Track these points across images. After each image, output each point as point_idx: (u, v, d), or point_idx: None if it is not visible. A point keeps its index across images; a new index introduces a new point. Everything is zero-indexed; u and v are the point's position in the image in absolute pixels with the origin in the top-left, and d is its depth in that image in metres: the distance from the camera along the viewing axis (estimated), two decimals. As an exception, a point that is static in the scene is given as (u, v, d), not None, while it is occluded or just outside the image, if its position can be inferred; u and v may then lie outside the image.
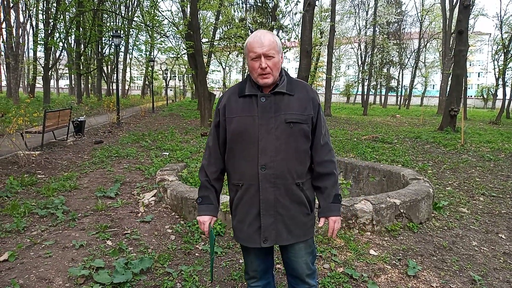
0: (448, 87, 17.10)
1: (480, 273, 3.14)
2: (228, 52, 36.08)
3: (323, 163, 1.89)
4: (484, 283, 2.97)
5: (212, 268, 2.08)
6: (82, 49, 26.85)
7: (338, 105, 42.24)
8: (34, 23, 27.35)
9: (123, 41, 30.66)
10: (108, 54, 33.31)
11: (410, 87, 42.49)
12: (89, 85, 39.04)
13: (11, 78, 24.20)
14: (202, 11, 23.61)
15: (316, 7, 16.86)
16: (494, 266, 3.28)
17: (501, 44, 26.32)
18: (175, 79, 58.61)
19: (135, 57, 41.55)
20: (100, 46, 30.76)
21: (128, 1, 32.50)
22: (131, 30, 30.11)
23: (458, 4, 16.99)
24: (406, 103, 43.40)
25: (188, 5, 18.10)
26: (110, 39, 26.22)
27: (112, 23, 31.87)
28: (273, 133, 1.77)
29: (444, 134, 13.05)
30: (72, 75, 39.99)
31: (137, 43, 35.31)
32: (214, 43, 25.53)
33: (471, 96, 53.01)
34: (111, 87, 37.70)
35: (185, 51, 21.39)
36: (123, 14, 30.59)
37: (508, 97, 26.44)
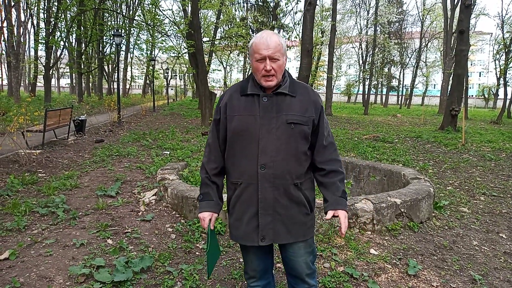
0: (449, 87, 17.07)
1: (480, 273, 3.13)
2: (229, 51, 36.03)
3: (330, 161, 1.88)
4: (484, 283, 2.96)
5: (209, 264, 2.05)
6: (83, 48, 26.87)
7: (339, 105, 42.23)
8: (35, 22, 27.45)
9: (124, 40, 30.70)
10: (109, 53, 33.36)
11: (411, 87, 42.44)
12: (90, 84, 39.13)
13: (12, 77, 24.24)
14: (203, 10, 23.60)
15: (317, 6, 16.85)
16: (494, 266, 3.28)
17: (502, 43, 26.28)
18: (176, 78, 58.66)
19: (136, 56, 41.62)
20: (101, 45, 30.80)
21: (129, 0, 32.52)
22: (132, 29, 30.12)
23: (459, 3, 16.96)
24: (407, 103, 43.35)
25: (189, 4, 18.08)
26: (111, 38, 26.25)
27: (113, 22, 31.88)
28: (274, 133, 1.77)
29: (445, 134, 13.03)
30: (73, 74, 40.04)
31: (138, 42, 35.32)
32: (215, 42, 25.51)
33: (472, 95, 52.93)
34: (112, 86, 37.74)
35: (186, 50, 21.41)
36: (124, 13, 30.59)
37: (509, 96, 26.39)
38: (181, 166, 6.02)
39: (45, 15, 21.07)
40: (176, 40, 31.85)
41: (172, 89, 59.05)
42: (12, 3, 23.05)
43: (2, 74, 45.43)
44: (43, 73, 21.99)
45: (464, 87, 19.00)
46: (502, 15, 27.88)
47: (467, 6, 13.72)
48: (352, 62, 53.42)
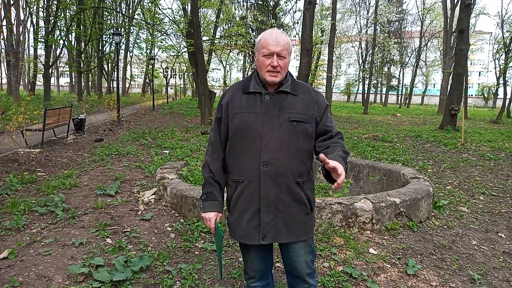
0: (449, 86, 17.08)
1: (479, 272, 3.14)
2: (228, 50, 35.99)
3: (334, 142, 1.83)
4: (483, 282, 2.97)
5: (220, 265, 2.08)
6: (83, 47, 26.84)
7: (339, 104, 42.22)
8: (34, 20, 27.35)
9: (123, 39, 30.69)
10: (109, 52, 33.31)
11: (410, 86, 42.45)
12: (90, 83, 39.08)
13: (12, 76, 24.19)
14: (202, 9, 23.57)
15: (317, 5, 16.83)
16: (493, 265, 3.28)
17: (502, 43, 26.29)
18: (175, 77, 58.64)
19: (135, 55, 41.59)
20: (100, 44, 30.74)
21: (128, -1, 32.47)
22: (131, 27, 30.10)
23: (459, 3, 16.95)
24: (407, 102, 43.37)
25: (189, 3, 18.06)
26: (111, 37, 26.22)
27: (112, 21, 31.83)
28: (276, 131, 1.78)
29: (444, 133, 13.03)
30: (73, 73, 40.01)
31: (138, 41, 35.30)
32: (215, 41, 25.49)
33: (471, 95, 52.93)
34: (111, 85, 37.68)
35: (186, 49, 21.38)
36: (123, 12, 30.55)
37: (509, 96, 26.41)
38: (180, 165, 6.02)
39: (45, 13, 21.03)
40: (176, 39, 31.84)
41: (171, 88, 59.01)
42: (12, 2, 22.99)
43: (1, 73, 45.39)
44: (42, 72, 21.98)
45: (464, 87, 18.98)
46: (502, 14, 27.92)
47: (467, 5, 13.71)
48: (352, 61, 53.41)
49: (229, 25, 24.02)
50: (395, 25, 39.48)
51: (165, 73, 38.68)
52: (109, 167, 6.86)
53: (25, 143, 7.99)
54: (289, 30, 23.11)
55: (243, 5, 24.08)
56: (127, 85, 45.99)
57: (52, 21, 20.15)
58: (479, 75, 61.13)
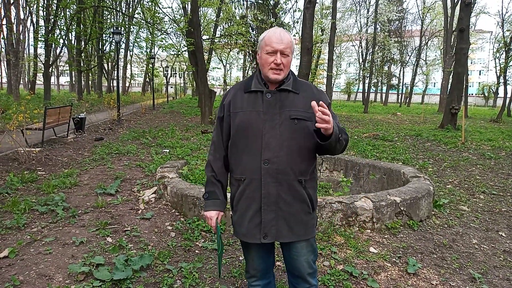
0: (449, 85, 17.07)
1: (480, 271, 3.13)
2: (229, 50, 35.99)
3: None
4: (484, 281, 2.97)
5: (220, 264, 2.08)
6: (83, 46, 26.82)
7: (339, 103, 42.20)
8: (34, 19, 27.36)
9: (123, 38, 30.66)
10: (109, 51, 33.30)
11: (411, 85, 42.43)
12: (90, 82, 39.06)
13: (12, 75, 24.18)
14: (202, 8, 23.55)
15: (317, 4, 16.82)
16: (494, 264, 3.28)
17: (502, 42, 26.25)
18: (175, 76, 58.62)
19: (135, 54, 41.59)
20: (100, 43, 30.73)
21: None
22: (131, 27, 30.07)
23: (459, 1, 16.93)
24: (407, 101, 43.35)
25: (189, 2, 18.04)
26: (111, 36, 26.19)
27: (112, 20, 31.81)
28: (277, 129, 1.78)
29: (444, 132, 13.03)
30: (73, 72, 40.02)
31: (138, 40, 35.29)
32: (215, 40, 25.47)
33: (472, 94, 52.88)
34: (111, 84, 37.68)
35: (186, 48, 21.36)
36: (123, 11, 30.52)
37: (509, 95, 26.39)
38: (180, 164, 6.01)
39: (45, 12, 21.01)
40: (176, 38, 31.79)
41: (171, 87, 58.99)
42: (12, 1, 22.97)
43: (1, 72, 45.38)
44: (42, 71, 21.96)
45: (464, 86, 18.99)
46: (502, 13, 27.78)
47: (467, 4, 13.70)
48: (352, 60, 53.41)
49: (229, 24, 23.98)
50: (396, 24, 39.43)
51: (165, 72, 38.66)
52: (109, 166, 6.86)
53: (26, 142, 8.00)
54: (289, 29, 23.05)
55: (243, 4, 24.03)
56: (127, 84, 46.00)
57: (52, 20, 20.13)
58: (480, 74, 61.09)
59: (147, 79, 45.46)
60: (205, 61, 18.26)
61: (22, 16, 30.86)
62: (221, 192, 1.98)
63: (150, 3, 23.30)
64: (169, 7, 28.66)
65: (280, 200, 1.81)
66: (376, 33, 30.50)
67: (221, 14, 23.72)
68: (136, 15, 29.15)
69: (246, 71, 41.43)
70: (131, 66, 44.93)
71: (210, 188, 1.98)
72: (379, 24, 32.30)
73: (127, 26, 28.85)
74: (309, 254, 1.95)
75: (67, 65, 33.45)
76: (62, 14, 22.59)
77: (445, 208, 4.79)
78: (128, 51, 39.12)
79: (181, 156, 7.78)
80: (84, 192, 5.21)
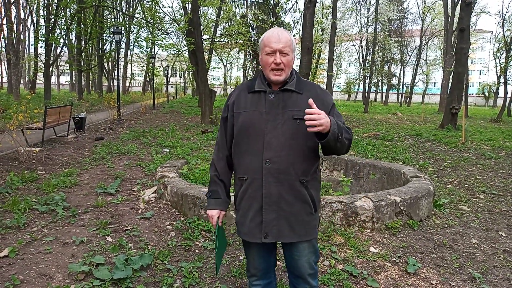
0: (450, 85, 17.05)
1: (480, 271, 3.13)
2: (229, 49, 35.99)
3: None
4: (484, 281, 2.97)
5: (217, 261, 2.07)
6: (83, 46, 26.82)
7: (339, 103, 42.18)
8: (35, 19, 27.33)
9: (124, 38, 30.65)
10: (109, 50, 33.31)
11: (411, 85, 42.41)
12: (90, 82, 39.08)
13: (12, 74, 24.21)
14: (203, 7, 23.55)
15: (317, 3, 16.81)
16: (494, 264, 3.28)
17: (503, 42, 26.23)
18: (176, 76, 58.59)
19: (136, 53, 41.56)
20: (101, 42, 30.73)
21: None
22: (132, 26, 30.05)
23: (460, 1, 16.91)
24: (407, 101, 43.33)
25: (189, 2, 18.04)
26: (111, 35, 26.18)
27: (113, 20, 31.80)
28: (279, 129, 1.78)
29: (445, 132, 13.03)
30: (73, 72, 39.99)
31: (138, 39, 35.26)
32: (215, 40, 25.47)
33: (472, 94, 52.84)
34: (112, 84, 37.68)
35: (186, 47, 21.36)
36: (124, 10, 30.51)
37: (509, 95, 26.37)
38: (180, 164, 6.01)
39: (45, 12, 21.01)
40: (176, 38, 31.82)
41: (172, 86, 58.99)
42: (12, 0, 22.98)
43: (2, 72, 45.38)
44: (42, 71, 21.95)
45: (464, 85, 18.98)
46: (502, 13, 27.84)
47: (468, 4, 13.69)
48: (352, 60, 53.39)
49: (229, 23, 23.98)
50: (396, 23, 39.41)
51: (165, 72, 38.67)
52: (109, 165, 6.86)
53: (26, 142, 8.00)
54: (289, 29, 23.06)
55: (244, 4, 24.02)
56: (127, 84, 46.01)
57: (53, 19, 20.13)
58: (480, 74, 61.07)
59: (148, 79, 45.48)
60: (206, 60, 18.27)
61: (22, 16, 30.92)
62: (223, 191, 1.99)
63: (150, 3, 23.30)
64: (169, 7, 28.67)
65: (282, 200, 1.81)
66: (376, 33, 30.48)
67: (221, 13, 23.72)
68: (136, 15, 29.15)
69: (246, 71, 41.43)
70: (131, 65, 44.92)
71: (213, 187, 2.00)
72: (380, 23, 32.26)
73: (127, 25, 28.85)
74: (310, 255, 1.95)
75: (68, 64, 33.43)
76: (63, 13, 22.57)
77: (445, 208, 4.79)
78: (129, 51, 39.13)
79: (181, 155, 7.78)
80: (84, 192, 5.21)
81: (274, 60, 1.76)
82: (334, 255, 3.30)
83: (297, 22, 28.63)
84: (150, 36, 27.29)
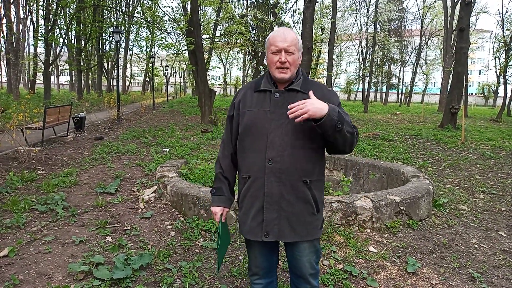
0: (449, 85, 17.06)
1: (479, 270, 3.14)
2: (228, 49, 35.97)
3: None
4: (483, 280, 2.97)
5: (219, 258, 2.07)
6: (83, 45, 26.80)
7: (339, 102, 42.08)
8: (34, 18, 27.32)
9: (123, 37, 30.63)
10: (109, 50, 33.28)
11: (411, 85, 42.41)
12: (90, 81, 39.05)
13: (12, 74, 24.19)
14: (202, 7, 23.53)
15: (317, 3, 16.80)
16: (493, 264, 3.28)
17: (502, 41, 26.23)
18: (175, 76, 58.60)
19: (135, 53, 41.53)
20: (100, 42, 30.71)
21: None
22: (131, 26, 30.02)
23: (459, 1, 16.92)
24: (407, 101, 43.34)
25: (189, 1, 18.03)
26: (111, 35, 26.18)
27: (112, 19, 31.78)
28: (283, 128, 1.78)
29: (444, 132, 13.03)
30: (73, 71, 39.96)
31: (138, 39, 35.21)
32: (215, 40, 25.45)
33: (472, 93, 52.87)
34: (111, 83, 37.64)
35: (186, 47, 21.34)
36: (123, 10, 30.49)
37: (509, 94, 26.39)
38: (180, 164, 6.01)
39: (44, 12, 20.99)
40: (176, 37, 31.76)
41: (171, 86, 58.98)
42: (11, 0, 22.96)
43: (1, 71, 45.35)
44: (42, 70, 21.93)
45: (464, 85, 18.98)
46: (502, 12, 27.85)
47: (467, 4, 13.70)
48: (352, 59, 53.43)
49: (229, 23, 23.98)
50: (395, 23, 39.45)
51: (165, 72, 38.66)
52: (109, 165, 6.86)
53: (25, 142, 8.00)
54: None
55: (243, 3, 24.03)
56: (127, 84, 45.98)
57: (52, 19, 20.10)
58: (480, 74, 61.09)
59: (147, 79, 45.42)
60: (205, 60, 18.25)
61: (22, 15, 30.87)
62: (227, 188, 2.01)
63: (150, 2, 23.31)
64: (169, 6, 28.59)
65: (283, 200, 1.81)
66: (376, 33, 30.49)
67: (221, 13, 23.71)
68: (136, 14, 29.13)
69: (246, 71, 41.43)
70: (131, 65, 44.91)
71: (217, 184, 2.02)
72: (379, 23, 32.29)
73: (127, 25, 28.82)
74: (311, 255, 1.95)
75: (67, 64, 33.39)
76: (62, 13, 22.54)
77: (445, 207, 4.80)
78: (128, 50, 39.10)
79: (181, 155, 7.78)
80: (84, 191, 5.21)
81: (279, 58, 1.76)
82: (333, 254, 3.31)
83: (297, 22, 28.63)
84: (150, 35, 27.28)
